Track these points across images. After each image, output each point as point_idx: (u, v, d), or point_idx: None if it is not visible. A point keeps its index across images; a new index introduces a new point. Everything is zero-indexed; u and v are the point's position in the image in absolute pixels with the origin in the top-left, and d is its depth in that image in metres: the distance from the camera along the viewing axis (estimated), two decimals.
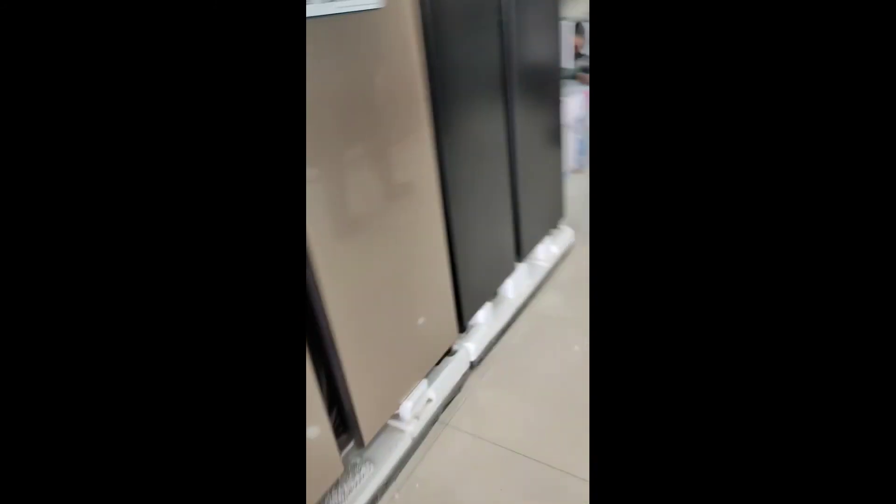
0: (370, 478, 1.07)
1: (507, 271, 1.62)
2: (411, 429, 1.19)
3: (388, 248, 1.06)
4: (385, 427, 1.18)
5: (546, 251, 1.87)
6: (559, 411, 1.28)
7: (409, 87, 1.04)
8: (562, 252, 1.96)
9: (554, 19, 1.72)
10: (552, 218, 1.93)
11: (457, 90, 1.21)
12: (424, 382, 1.25)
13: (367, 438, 1.05)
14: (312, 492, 0.92)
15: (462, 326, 1.42)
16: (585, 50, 2.81)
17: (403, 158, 1.06)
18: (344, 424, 1.02)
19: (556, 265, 1.92)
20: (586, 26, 2.74)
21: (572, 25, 2.55)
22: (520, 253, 1.69)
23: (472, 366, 1.45)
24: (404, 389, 1.19)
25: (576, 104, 2.63)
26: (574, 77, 3.07)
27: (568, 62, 2.63)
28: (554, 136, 1.83)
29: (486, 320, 1.52)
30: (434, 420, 1.28)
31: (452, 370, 1.35)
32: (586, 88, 2.84)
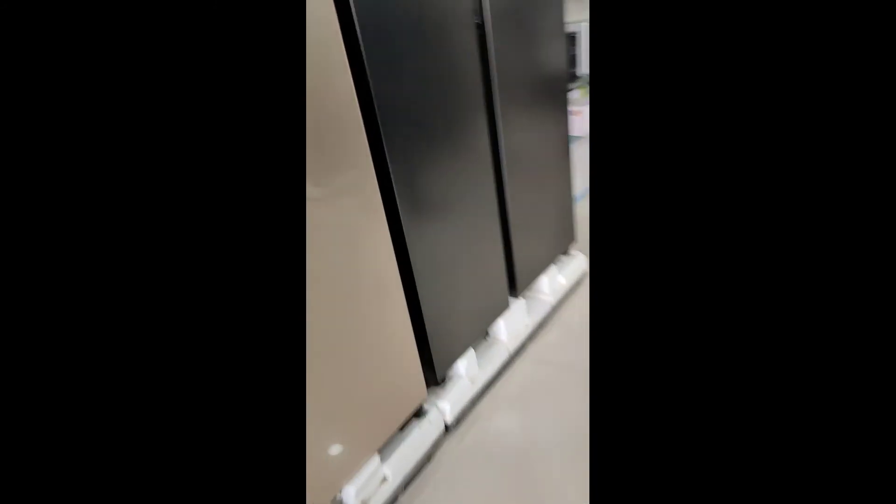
0: None
1: (498, 309, 1.36)
2: None
3: (321, 290, 0.82)
4: None
5: (551, 283, 1.59)
6: (556, 488, 1.00)
7: (338, 105, 0.82)
8: (571, 283, 1.68)
9: (557, 22, 1.47)
10: (559, 243, 1.66)
11: (413, 106, 0.98)
12: (376, 458, 1.00)
13: None
14: None
15: (435, 379, 1.17)
16: None
17: (333, 186, 0.83)
18: None
19: (563, 298, 1.64)
20: None
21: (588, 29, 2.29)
22: (514, 286, 1.43)
23: (448, 429, 1.19)
24: (348, 469, 0.94)
25: None
26: None
27: (584, 68, 2.37)
28: (559, 151, 1.57)
29: (467, 370, 1.26)
30: None
31: (419, 437, 1.09)
32: None
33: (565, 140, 1.61)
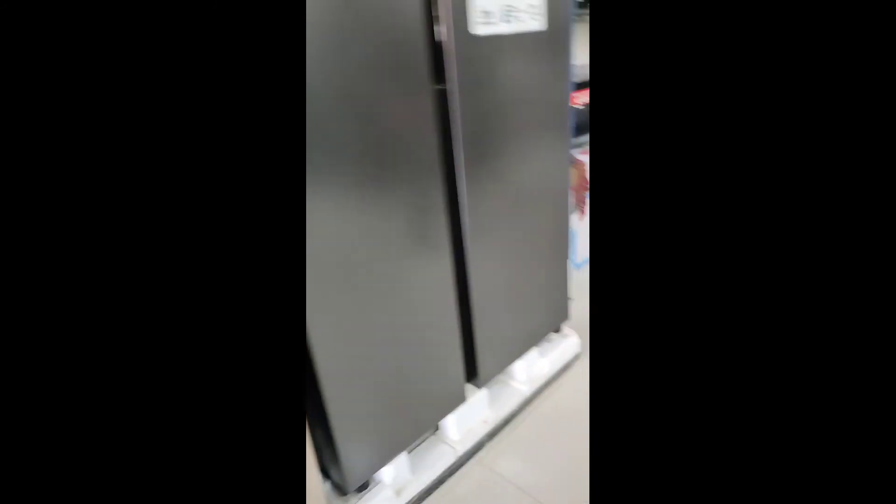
0: None
1: (450, 401, 1.13)
2: None
3: None
4: None
5: (529, 368, 1.34)
6: None
7: None
8: (556, 369, 1.42)
9: (562, 69, 1.28)
10: (546, 322, 1.41)
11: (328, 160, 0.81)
12: None
13: None
14: None
15: (345, 488, 0.94)
16: None
17: None
18: None
19: (542, 387, 1.38)
20: None
21: None
22: (475, 373, 1.19)
23: None
24: None
25: None
26: None
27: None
28: (553, 215, 1.36)
29: (395, 477, 1.02)
30: None
31: None
32: None
33: (563, 196, 1.39)
